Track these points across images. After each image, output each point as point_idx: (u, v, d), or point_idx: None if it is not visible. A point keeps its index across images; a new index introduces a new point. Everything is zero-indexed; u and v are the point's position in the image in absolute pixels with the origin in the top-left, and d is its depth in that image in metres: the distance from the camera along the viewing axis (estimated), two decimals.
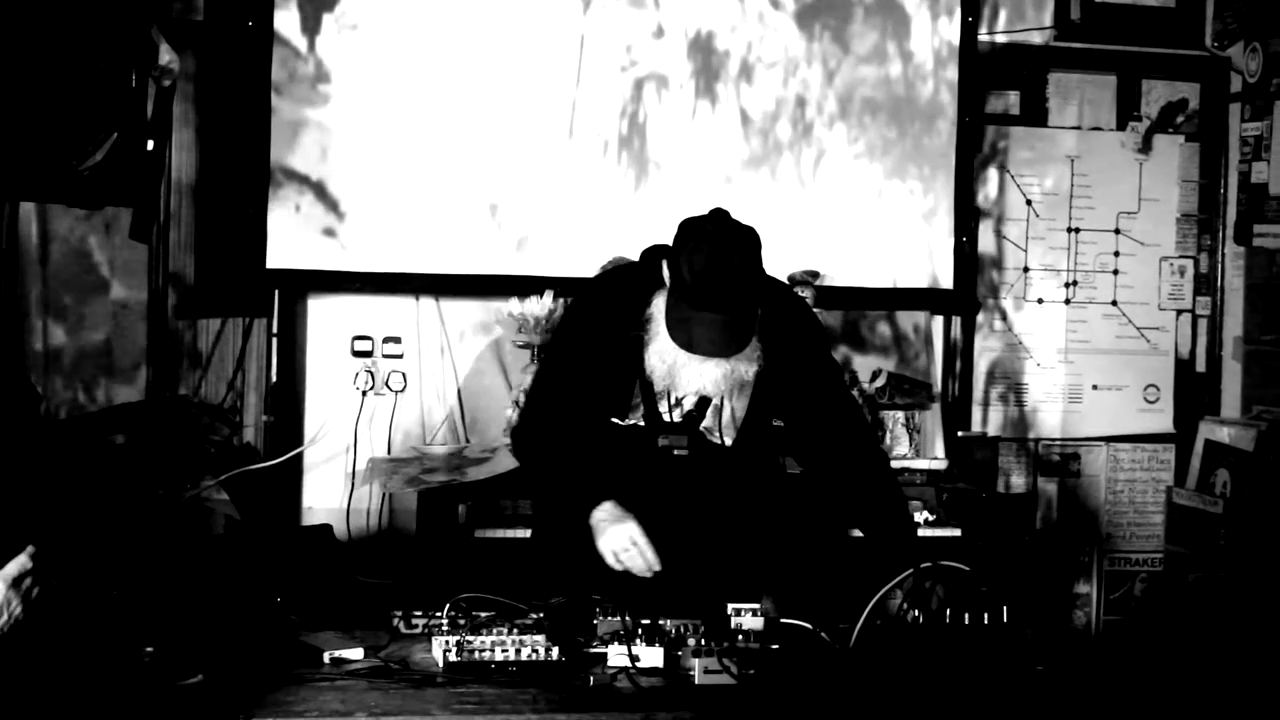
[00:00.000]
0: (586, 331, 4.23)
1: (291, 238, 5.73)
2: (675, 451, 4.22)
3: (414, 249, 5.83)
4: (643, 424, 4.20)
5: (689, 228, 4.01)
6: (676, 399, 4.15)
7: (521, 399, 5.68)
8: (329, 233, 5.77)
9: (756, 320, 3.98)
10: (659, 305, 4.01)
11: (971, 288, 6.39)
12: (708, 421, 4.20)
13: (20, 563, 3.22)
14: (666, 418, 4.20)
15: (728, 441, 4.23)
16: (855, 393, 5.97)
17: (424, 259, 5.85)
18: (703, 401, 4.17)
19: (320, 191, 5.76)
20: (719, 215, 4.03)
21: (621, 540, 4.00)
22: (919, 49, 6.21)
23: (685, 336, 3.92)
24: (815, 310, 5.80)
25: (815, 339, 4.38)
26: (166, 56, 5.21)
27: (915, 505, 5.82)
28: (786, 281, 5.04)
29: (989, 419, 6.52)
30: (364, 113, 5.79)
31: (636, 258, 5.71)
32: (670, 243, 4.07)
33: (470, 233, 5.87)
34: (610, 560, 4.00)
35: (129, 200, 5.30)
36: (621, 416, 4.20)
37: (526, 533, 5.02)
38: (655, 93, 6.02)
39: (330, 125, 5.77)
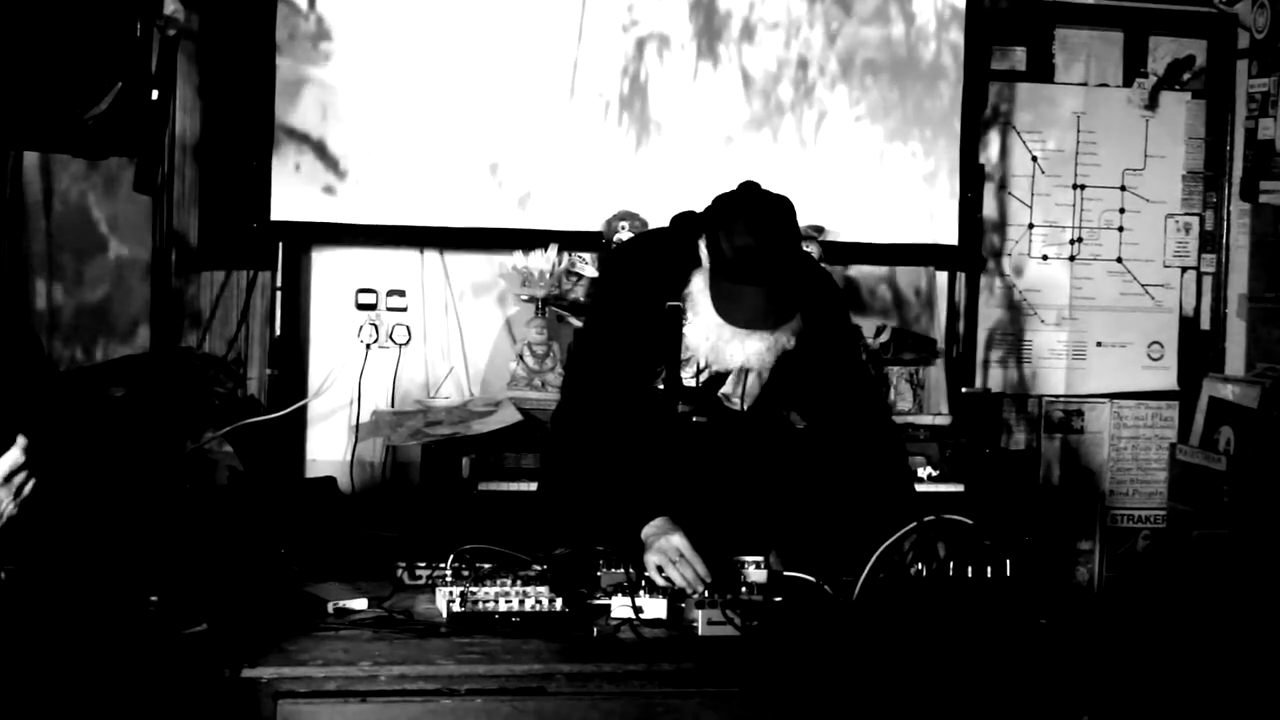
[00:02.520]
0: (622, 307, 4.16)
1: (293, 195, 5.72)
2: (694, 418, 4.20)
3: (417, 205, 5.83)
4: (662, 388, 4.17)
5: (723, 203, 3.95)
6: (700, 367, 4.10)
7: (526, 353, 5.69)
8: (329, 190, 5.76)
9: (799, 290, 3.93)
10: (698, 284, 3.94)
11: (976, 243, 6.38)
12: (727, 388, 4.17)
13: (12, 458, 3.15)
14: (687, 384, 4.16)
15: (745, 407, 4.20)
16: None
17: (427, 214, 5.84)
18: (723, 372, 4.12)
19: (321, 150, 5.75)
20: (751, 188, 4.00)
21: (669, 554, 3.86)
22: (921, 11, 6.18)
23: (731, 311, 3.85)
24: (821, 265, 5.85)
25: (838, 309, 4.35)
26: (171, 6, 5.18)
27: (918, 460, 5.83)
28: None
29: (992, 376, 6.52)
30: (365, 71, 5.78)
31: (639, 212, 5.76)
32: (694, 211, 4.05)
33: (473, 189, 5.86)
34: (655, 576, 3.84)
35: (133, 150, 5.29)
36: (643, 383, 4.17)
37: (530, 486, 5.02)
38: (656, 53, 6.00)
39: (332, 83, 5.75)
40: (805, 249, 5.71)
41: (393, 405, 5.93)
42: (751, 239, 3.82)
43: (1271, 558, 5.82)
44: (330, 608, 3.69)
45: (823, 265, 4.48)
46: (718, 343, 3.91)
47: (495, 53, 5.86)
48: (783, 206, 3.95)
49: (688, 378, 4.13)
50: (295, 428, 5.89)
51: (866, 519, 4.07)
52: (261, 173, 5.70)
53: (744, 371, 4.06)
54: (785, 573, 3.92)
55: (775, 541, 4.09)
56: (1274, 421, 6.09)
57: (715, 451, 4.24)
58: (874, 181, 6.20)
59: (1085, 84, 6.55)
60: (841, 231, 6.09)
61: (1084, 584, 6.62)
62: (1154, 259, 6.66)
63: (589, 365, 4.24)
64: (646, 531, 3.95)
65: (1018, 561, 3.81)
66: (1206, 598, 5.98)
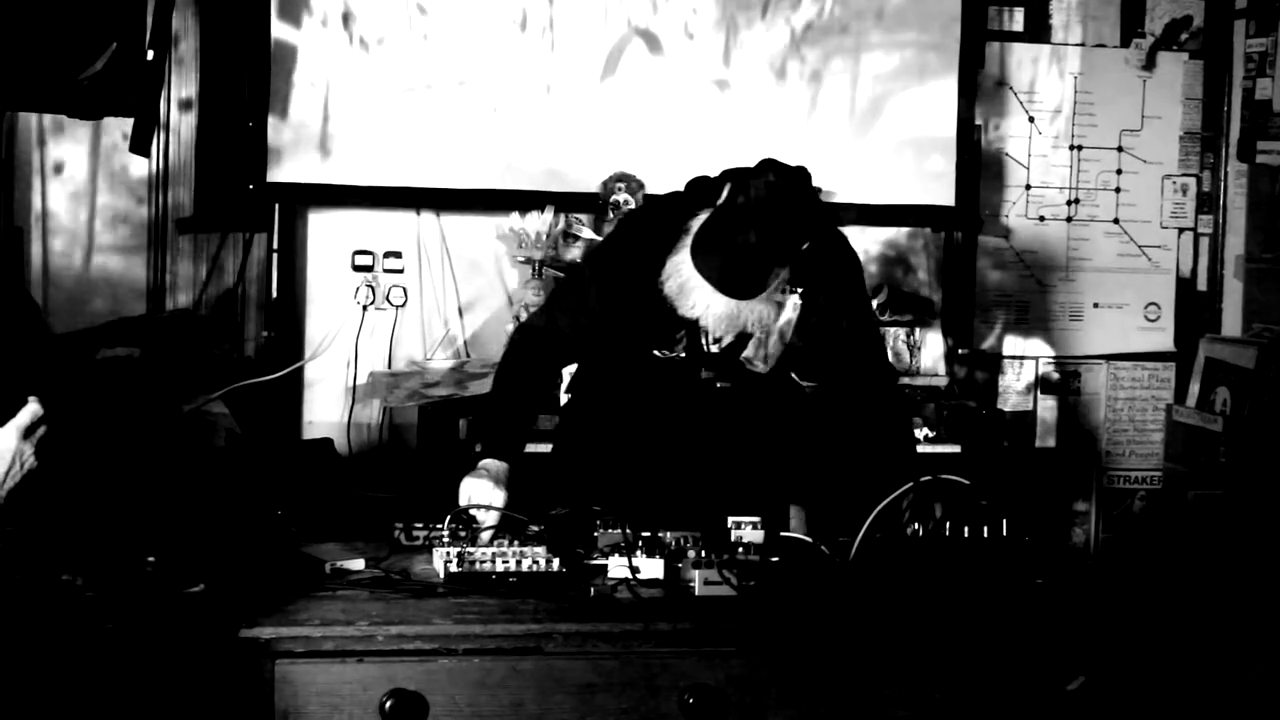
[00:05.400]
0: (621, 252, 4.17)
1: (289, 156, 5.72)
2: (718, 384, 4.20)
3: (413, 167, 5.82)
4: (684, 356, 4.17)
5: (768, 166, 3.92)
6: (717, 336, 4.09)
7: (523, 314, 5.69)
8: (326, 151, 5.75)
9: (775, 278, 3.91)
10: (699, 221, 3.92)
11: (974, 204, 6.37)
12: (749, 351, 4.15)
13: (31, 410, 3.19)
14: (708, 350, 4.15)
15: (767, 369, 4.19)
16: None
17: (424, 176, 5.84)
18: (743, 335, 4.11)
19: (316, 112, 5.74)
20: (801, 172, 3.96)
21: (479, 497, 3.91)
22: None
23: (705, 260, 3.84)
24: None
25: (856, 282, 4.34)
26: None
27: (915, 422, 5.83)
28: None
29: (989, 337, 6.52)
30: (361, 32, 5.77)
31: (636, 174, 5.76)
32: (708, 176, 4.05)
33: (469, 150, 5.85)
34: (462, 499, 3.90)
35: (129, 110, 5.28)
36: (664, 349, 4.17)
37: (528, 447, 5.02)
38: (652, 9, 5.99)
39: (328, 44, 5.74)
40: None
41: (389, 367, 5.93)
42: (756, 205, 3.80)
43: (1268, 518, 5.83)
44: (328, 568, 3.69)
45: (841, 230, 4.46)
46: (685, 283, 3.86)
47: (492, 12, 5.85)
48: (809, 196, 3.93)
49: (706, 344, 4.12)
50: (292, 390, 5.90)
51: (866, 478, 4.07)
52: (257, 133, 5.69)
53: (765, 334, 4.05)
54: (782, 533, 3.93)
55: (796, 499, 4.09)
56: (1270, 382, 6.10)
57: (739, 416, 4.25)
58: (870, 142, 6.19)
59: (1083, 44, 6.54)
60: (838, 192, 6.08)
61: (1080, 545, 6.63)
62: (1151, 220, 6.65)
63: (562, 303, 4.25)
64: (484, 461, 4.00)
65: (1014, 522, 3.81)
66: (1202, 558, 6.00)
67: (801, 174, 3.95)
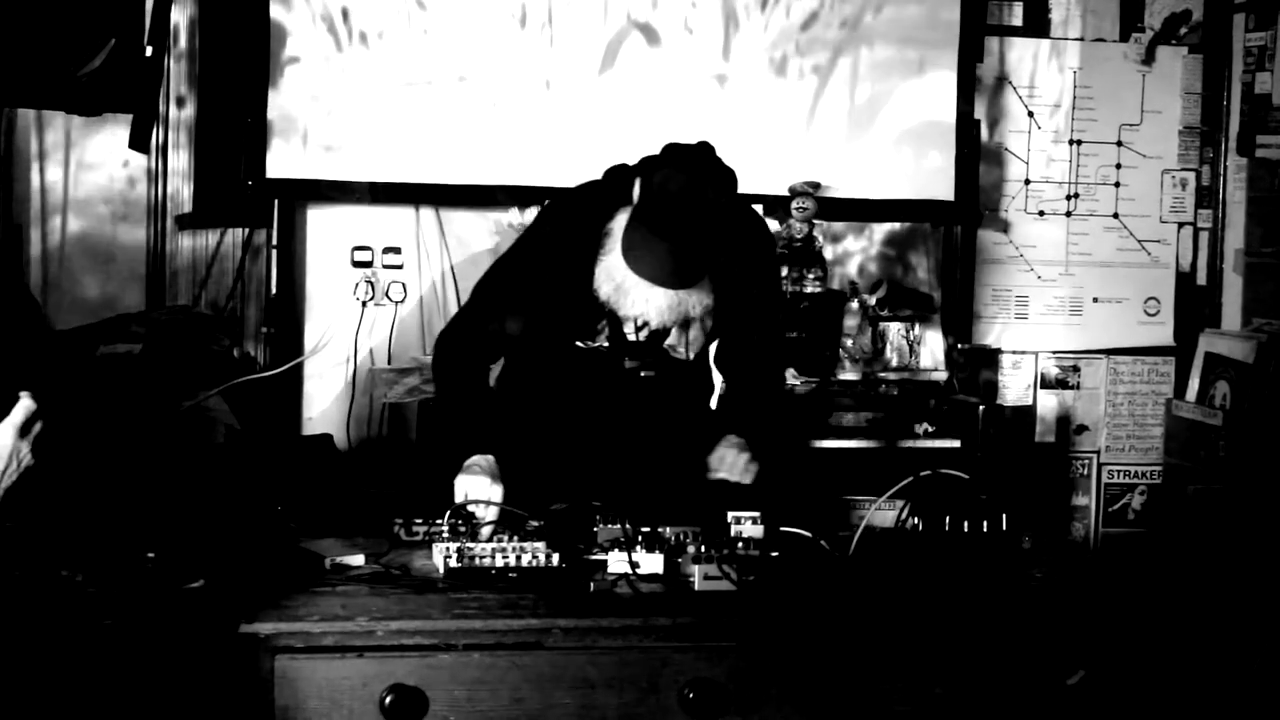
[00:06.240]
0: (540, 247, 4.20)
1: (288, 152, 5.71)
2: (642, 374, 4.20)
3: (413, 162, 5.82)
4: (607, 345, 4.17)
5: (672, 151, 3.97)
6: (641, 323, 4.09)
7: None
8: (326, 148, 5.75)
9: (712, 261, 3.93)
10: (620, 221, 3.93)
11: (973, 199, 6.37)
12: (671, 339, 4.16)
13: (26, 407, 3.18)
14: (631, 339, 4.15)
15: (691, 356, 4.20)
16: (856, 304, 6.00)
17: (422, 171, 5.83)
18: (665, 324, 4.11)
19: (316, 109, 5.74)
20: (705, 149, 4.00)
21: (477, 493, 3.92)
22: None
23: (637, 259, 3.86)
24: (816, 221, 5.85)
25: (771, 271, 4.41)
26: None
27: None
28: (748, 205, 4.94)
29: (989, 331, 6.52)
30: (361, 25, 5.77)
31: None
32: (628, 164, 4.06)
33: (469, 145, 5.85)
34: (458, 496, 3.92)
35: (127, 107, 5.28)
36: (586, 339, 4.17)
37: None
38: (651, 2, 5.99)
39: (328, 39, 5.74)
40: (802, 203, 5.79)
41: (389, 363, 5.93)
42: (684, 193, 3.82)
43: (1267, 512, 5.83)
44: (327, 564, 3.69)
45: (762, 217, 4.48)
46: (622, 285, 3.90)
47: (492, 8, 5.85)
48: (727, 175, 3.95)
49: (630, 333, 4.12)
50: (292, 385, 5.90)
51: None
52: (257, 129, 5.68)
53: (688, 322, 4.07)
54: (781, 528, 3.93)
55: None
56: (1270, 376, 6.10)
57: (666, 406, 4.26)
58: (870, 137, 6.19)
59: (1082, 39, 6.53)
60: (837, 187, 6.08)
61: (1079, 539, 6.63)
62: (1150, 214, 6.65)
63: (487, 298, 4.28)
64: (473, 459, 4.01)
65: (1013, 516, 3.82)
66: (1202, 553, 6.01)
67: (705, 151, 3.96)
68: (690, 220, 3.81)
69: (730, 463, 4.09)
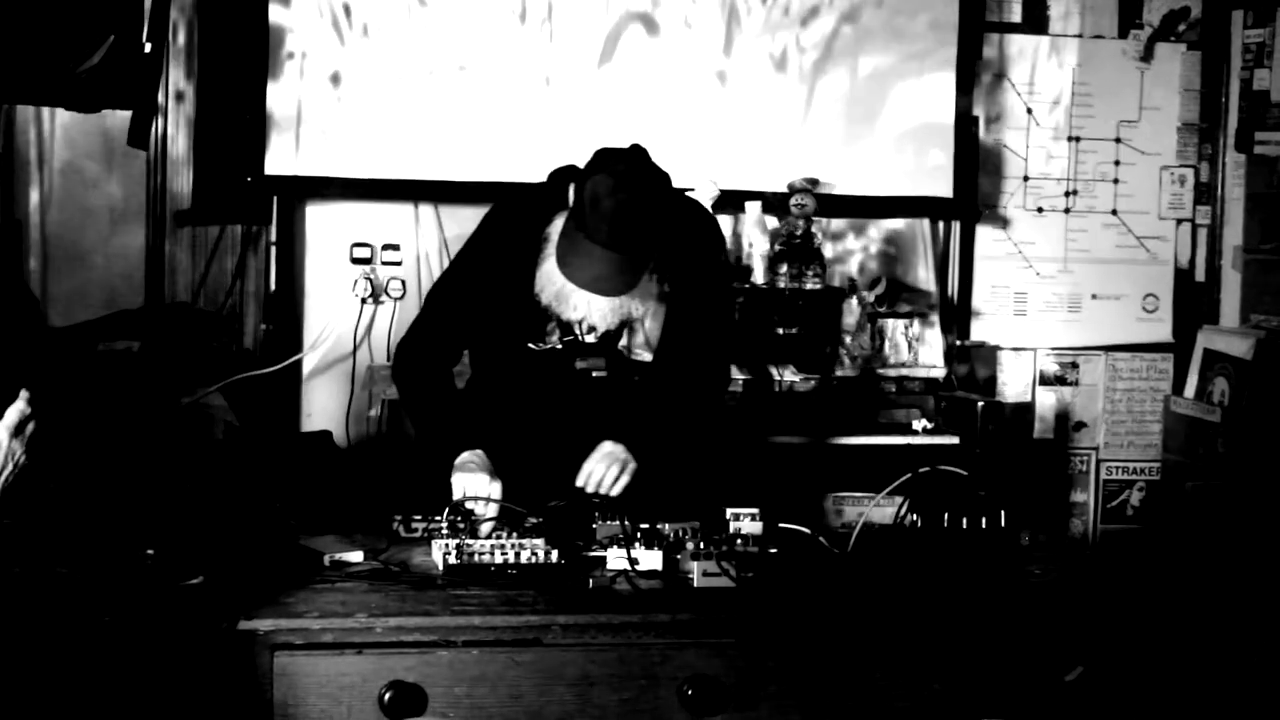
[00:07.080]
0: (485, 252, 4.21)
1: (287, 148, 5.71)
2: (594, 374, 4.21)
3: (412, 158, 5.81)
4: (560, 347, 4.18)
5: (604, 157, 3.98)
6: (588, 326, 4.10)
7: None
8: (325, 144, 5.75)
9: (646, 264, 3.93)
10: (557, 226, 3.97)
11: (972, 195, 6.37)
12: (625, 340, 4.17)
13: (19, 409, 3.19)
14: (583, 340, 4.16)
15: (647, 358, 4.21)
16: (855, 300, 6.00)
17: (421, 168, 5.83)
18: (622, 323, 4.11)
19: (315, 106, 5.74)
20: (637, 152, 4.00)
21: (475, 490, 3.94)
22: None
23: (570, 266, 3.89)
24: (815, 218, 5.85)
25: (718, 264, 4.38)
26: None
27: (914, 413, 5.85)
28: (695, 199, 4.89)
29: (987, 328, 6.52)
30: (359, 22, 5.76)
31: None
32: (575, 166, 4.07)
33: (468, 141, 5.85)
34: (456, 493, 3.93)
35: (127, 103, 5.27)
36: (537, 341, 4.18)
37: None
38: (651, 1, 5.99)
39: (327, 37, 5.74)
40: (800, 200, 5.78)
41: (388, 359, 5.92)
42: (615, 200, 3.83)
43: (1266, 509, 5.83)
44: (326, 560, 3.70)
45: (707, 209, 4.47)
46: (562, 289, 3.92)
47: (491, 3, 5.84)
48: (659, 179, 3.97)
49: (581, 334, 4.13)
50: (291, 382, 5.89)
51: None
52: (256, 125, 5.68)
53: (631, 324, 4.08)
54: (780, 524, 3.93)
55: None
56: (1268, 373, 6.10)
57: (619, 406, 4.25)
58: (868, 134, 6.18)
59: (1080, 36, 6.53)
60: (837, 184, 6.08)
61: (1078, 536, 6.63)
62: (1149, 211, 6.65)
63: (438, 306, 4.29)
64: (463, 457, 4.02)
65: (1012, 513, 3.82)
66: (1200, 549, 6.01)
67: (636, 154, 3.97)
68: (620, 226, 3.83)
69: (597, 479, 4.06)
